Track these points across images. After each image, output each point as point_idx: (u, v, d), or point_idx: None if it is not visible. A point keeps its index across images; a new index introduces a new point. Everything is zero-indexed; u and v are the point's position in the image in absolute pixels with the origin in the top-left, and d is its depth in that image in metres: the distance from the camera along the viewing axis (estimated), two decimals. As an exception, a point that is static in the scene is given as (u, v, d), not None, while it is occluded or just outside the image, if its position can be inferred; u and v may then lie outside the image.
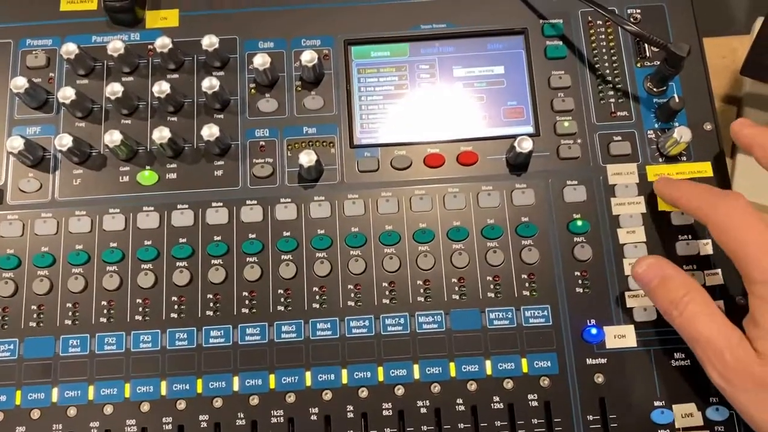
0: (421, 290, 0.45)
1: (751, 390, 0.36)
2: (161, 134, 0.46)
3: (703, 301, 0.39)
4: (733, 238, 0.38)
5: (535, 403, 0.43)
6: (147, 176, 0.47)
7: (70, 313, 0.45)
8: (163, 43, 0.48)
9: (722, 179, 0.47)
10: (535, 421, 0.43)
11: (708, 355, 0.38)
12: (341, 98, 0.49)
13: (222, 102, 0.48)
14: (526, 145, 0.45)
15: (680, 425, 0.43)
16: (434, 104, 0.49)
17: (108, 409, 0.43)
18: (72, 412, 0.43)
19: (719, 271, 0.45)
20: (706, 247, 0.46)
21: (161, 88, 0.47)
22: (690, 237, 0.46)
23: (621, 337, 0.44)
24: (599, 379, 0.44)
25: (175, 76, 0.50)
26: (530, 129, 0.48)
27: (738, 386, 0.36)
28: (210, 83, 0.47)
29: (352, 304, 0.45)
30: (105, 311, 0.45)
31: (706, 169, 0.47)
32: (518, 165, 0.47)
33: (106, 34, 0.50)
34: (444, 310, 0.45)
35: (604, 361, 0.44)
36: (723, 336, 0.37)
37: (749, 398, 0.36)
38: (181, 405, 0.43)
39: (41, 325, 0.45)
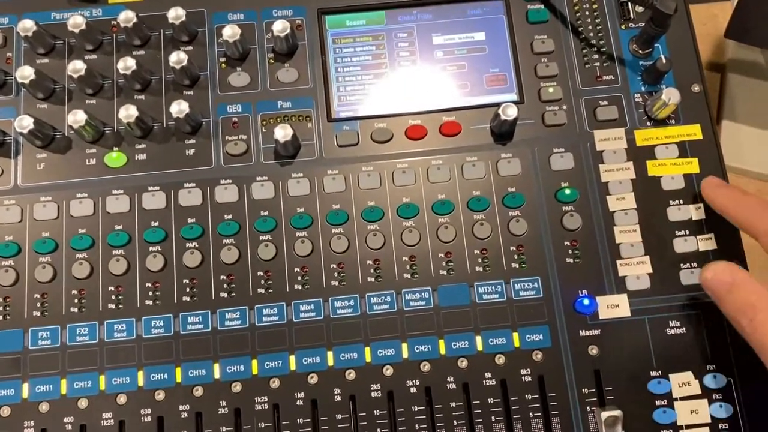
0: (407, 267, 0.44)
1: None
2: (128, 113, 0.43)
3: None
4: None
5: (528, 378, 0.42)
6: (115, 158, 0.45)
7: (38, 305, 0.43)
8: (126, 18, 0.45)
9: (712, 142, 0.46)
10: (528, 396, 0.42)
11: None
12: (317, 70, 0.47)
13: (191, 77, 0.46)
14: (510, 112, 0.44)
15: (678, 394, 0.42)
16: (414, 74, 0.47)
17: (82, 403, 0.41)
18: (44, 407, 0.41)
19: (712, 235, 0.44)
20: (699, 212, 0.44)
21: (126, 64, 0.44)
22: (681, 202, 0.45)
23: (614, 306, 0.43)
24: (593, 350, 0.42)
25: (141, 52, 0.47)
26: (514, 96, 0.47)
27: None
28: (178, 58, 0.44)
29: (336, 283, 0.43)
30: (76, 301, 0.43)
31: (695, 131, 0.46)
32: (503, 134, 0.46)
33: (66, 10, 0.48)
34: (431, 286, 0.43)
35: (597, 332, 0.43)
36: None
37: None
38: (160, 395, 0.41)
39: (8, 318, 0.42)
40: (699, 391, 0.42)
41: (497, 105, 0.44)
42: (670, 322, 0.43)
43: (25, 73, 0.44)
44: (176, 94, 0.46)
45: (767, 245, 0.39)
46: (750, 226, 0.41)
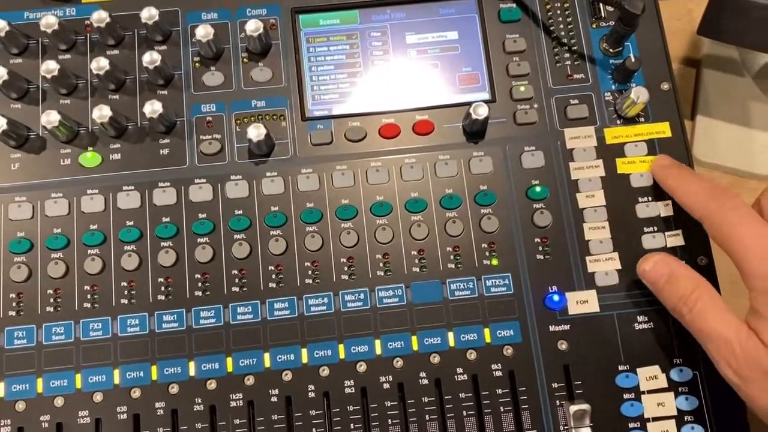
0: (381, 264, 0.44)
1: (762, 381, 0.36)
2: (102, 113, 0.43)
3: (711, 296, 0.39)
4: (729, 236, 0.38)
5: (499, 373, 0.43)
6: (89, 158, 0.45)
7: (14, 304, 0.43)
8: (99, 18, 0.45)
9: (680, 139, 0.47)
10: (499, 391, 0.42)
11: (720, 350, 0.37)
12: (290, 69, 0.47)
13: (165, 77, 0.46)
14: (481, 112, 0.44)
15: (645, 388, 0.43)
16: (387, 73, 0.48)
17: (59, 402, 0.42)
18: (21, 406, 0.41)
19: (680, 232, 0.45)
20: (667, 208, 0.45)
21: (100, 64, 0.44)
22: (650, 199, 0.45)
23: (583, 302, 0.44)
24: (563, 345, 0.43)
25: (115, 52, 0.47)
26: (486, 95, 0.47)
27: (749, 378, 0.36)
28: (151, 58, 0.44)
29: (310, 281, 0.44)
30: (51, 300, 0.43)
31: (664, 129, 0.47)
32: (475, 132, 0.46)
33: (39, 9, 0.48)
34: (405, 283, 0.44)
35: (567, 327, 0.43)
36: (733, 330, 0.37)
37: (760, 390, 0.36)
38: (136, 393, 0.42)
39: (-16, 317, 0.43)
40: (666, 385, 0.43)
41: (469, 104, 0.45)
42: (638, 317, 0.44)
43: (-2, 74, 0.44)
44: (150, 93, 0.46)
45: (710, 230, 0.40)
46: (694, 209, 0.41)
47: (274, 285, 0.44)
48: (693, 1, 0.69)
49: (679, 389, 0.43)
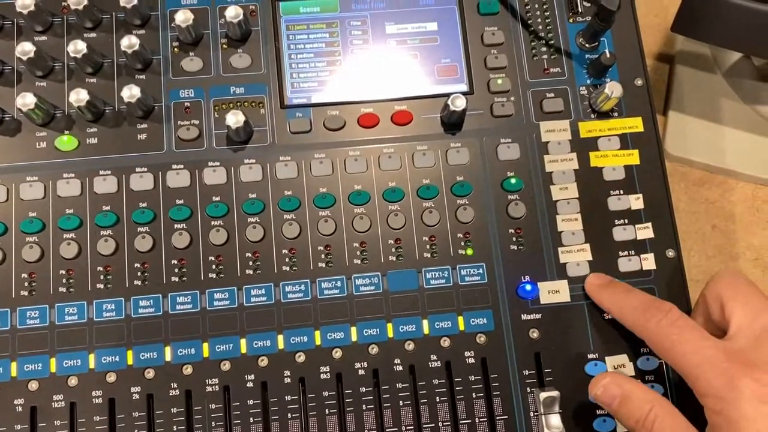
0: (358, 252, 0.45)
1: None
2: (79, 97, 0.43)
3: (668, 415, 0.37)
4: (672, 355, 0.38)
5: (471, 360, 0.44)
6: (66, 141, 0.45)
7: (-12, 287, 0.43)
8: (78, 0, 0.45)
9: (653, 134, 0.48)
10: (472, 377, 0.43)
11: None
12: (270, 56, 0.47)
13: (143, 61, 0.46)
14: (459, 104, 0.45)
15: (612, 376, 0.44)
16: (367, 62, 0.48)
17: (33, 385, 0.42)
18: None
19: (650, 224, 0.46)
20: (638, 202, 0.46)
21: (77, 47, 0.44)
22: (621, 192, 0.46)
23: (555, 292, 0.45)
24: (534, 334, 0.44)
25: (93, 35, 0.47)
26: (464, 87, 0.48)
27: None
28: (129, 42, 0.44)
29: (287, 268, 0.44)
30: (26, 284, 0.43)
31: (637, 124, 0.48)
32: (452, 124, 0.47)
33: (14, -10, 0.47)
34: (381, 271, 0.45)
35: (538, 316, 0.44)
36: None
37: None
38: (111, 377, 0.42)
39: (-44, 300, 0.42)
40: (633, 373, 0.44)
41: (448, 95, 0.45)
42: (607, 307, 0.45)
43: (-28, 55, 0.43)
44: (128, 78, 0.46)
45: (653, 347, 0.40)
46: (633, 328, 0.41)
47: (251, 272, 0.44)
48: (668, -2, 0.70)
49: (646, 377, 0.44)
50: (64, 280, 0.43)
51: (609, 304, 0.43)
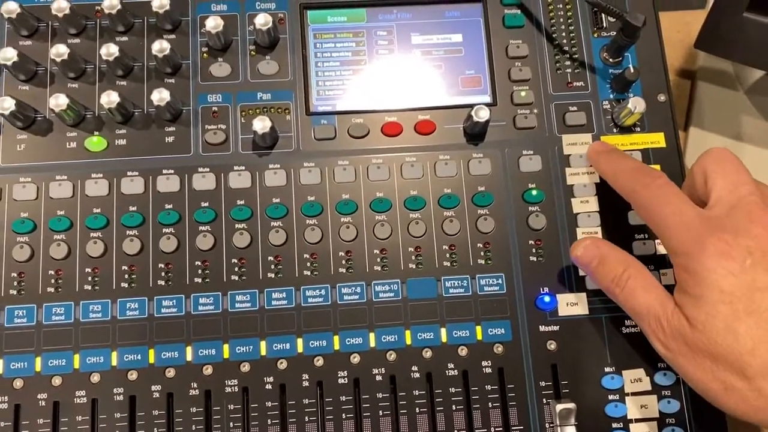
0: (378, 259, 0.45)
1: (687, 353, 0.38)
2: (110, 98, 0.44)
3: (641, 274, 0.40)
4: (653, 213, 0.40)
5: (488, 370, 0.44)
6: (95, 142, 0.46)
7: (15, 283, 0.44)
8: (111, 4, 0.46)
9: (675, 150, 0.48)
10: (488, 387, 0.44)
11: (650, 325, 0.39)
12: (297, 64, 0.48)
13: (173, 66, 0.47)
14: (483, 115, 0.45)
15: (629, 390, 0.44)
16: (392, 72, 0.49)
17: (56, 381, 0.42)
18: (18, 383, 0.42)
19: (669, 240, 0.46)
20: (657, 217, 0.46)
21: (109, 50, 0.45)
22: (642, 207, 0.47)
23: (573, 304, 0.45)
24: (552, 345, 0.44)
25: (124, 38, 0.48)
26: (488, 98, 0.48)
27: (676, 351, 0.38)
28: (161, 46, 0.45)
29: (308, 273, 0.45)
30: (53, 281, 0.44)
31: (659, 139, 0.48)
32: (475, 134, 0.47)
33: (50, -7, 0.48)
34: (401, 278, 0.45)
35: (556, 328, 0.45)
36: (660, 306, 0.39)
37: (687, 361, 0.38)
38: (133, 375, 0.43)
39: (-14, 295, 0.43)
40: (649, 387, 0.44)
41: (471, 106, 0.46)
42: (625, 321, 0.45)
43: (7, 55, 0.44)
44: (158, 81, 0.47)
45: (636, 208, 0.42)
46: (622, 188, 0.43)
47: (272, 275, 0.45)
48: (691, 14, 0.70)
49: (662, 392, 0.44)
50: (89, 278, 0.44)
51: (605, 167, 0.45)
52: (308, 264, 0.45)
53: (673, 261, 0.39)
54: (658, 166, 0.47)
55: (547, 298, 0.45)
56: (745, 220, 0.37)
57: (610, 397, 0.44)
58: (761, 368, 0.35)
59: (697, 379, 0.38)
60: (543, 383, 0.44)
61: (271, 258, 0.45)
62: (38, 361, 0.42)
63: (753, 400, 0.36)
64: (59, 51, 0.45)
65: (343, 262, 0.45)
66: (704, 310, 0.36)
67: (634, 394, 0.44)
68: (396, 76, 0.49)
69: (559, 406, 0.43)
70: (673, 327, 0.38)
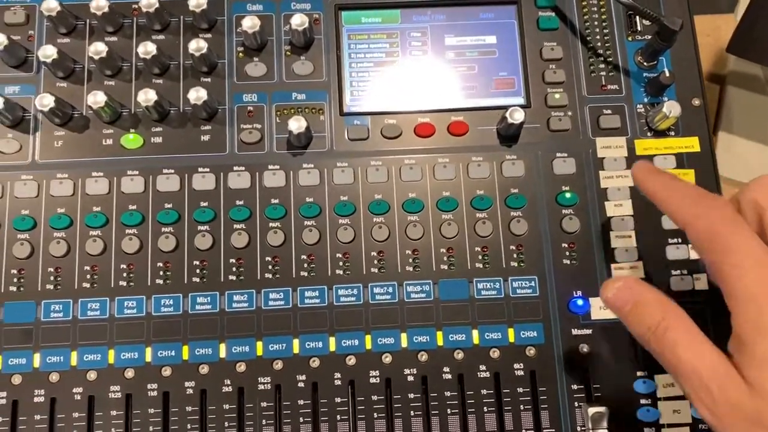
0: (410, 260, 0.45)
1: (743, 428, 0.32)
2: (147, 96, 0.44)
3: (682, 325, 0.34)
4: (714, 247, 0.34)
5: (520, 372, 0.44)
6: (132, 139, 0.46)
7: (51, 278, 0.44)
8: (149, 3, 0.46)
9: (708, 155, 0.48)
10: (520, 389, 0.44)
11: (694, 388, 0.33)
12: (331, 64, 0.48)
13: (209, 65, 0.47)
14: (517, 116, 0.45)
15: (662, 394, 0.44)
16: (425, 73, 0.49)
17: (91, 375, 0.43)
18: (54, 377, 0.43)
19: (703, 245, 0.46)
20: (691, 221, 0.46)
21: (147, 49, 0.45)
22: (676, 211, 0.46)
23: (606, 308, 0.45)
24: (584, 349, 0.44)
25: (161, 37, 0.48)
26: (521, 100, 0.48)
27: (728, 423, 0.32)
28: (198, 45, 0.45)
29: (341, 272, 0.45)
30: (88, 276, 0.44)
31: (693, 144, 0.48)
32: (509, 136, 0.47)
33: (88, -9, 0.48)
34: (432, 279, 0.45)
35: (589, 331, 0.45)
36: (708, 366, 0.33)
37: None
38: (167, 371, 0.43)
39: (22, 289, 0.44)
40: (682, 392, 0.44)
41: (504, 108, 0.46)
42: (658, 325, 0.45)
43: (47, 53, 0.45)
44: (194, 80, 0.47)
45: (692, 236, 0.36)
46: (676, 213, 0.37)
47: (305, 273, 0.45)
48: (721, 18, 0.70)
49: (695, 398, 0.44)
50: (124, 274, 0.44)
51: (656, 185, 0.38)
52: (341, 263, 0.45)
53: (732, 307, 0.33)
54: (692, 171, 0.47)
55: (580, 302, 0.45)
56: None
57: (642, 401, 0.44)
58: None
59: None
60: (575, 386, 0.44)
61: (304, 257, 0.45)
62: (74, 355, 0.43)
63: None
64: (98, 49, 0.45)
65: (375, 262, 0.45)
66: None
67: (666, 399, 0.44)
68: (429, 77, 0.49)
69: (591, 410, 0.43)
70: (726, 394, 0.32)
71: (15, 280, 0.44)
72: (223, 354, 0.43)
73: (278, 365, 0.43)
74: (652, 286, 0.36)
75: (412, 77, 0.49)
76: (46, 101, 0.44)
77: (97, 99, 0.44)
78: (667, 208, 0.38)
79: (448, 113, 0.48)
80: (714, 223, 0.34)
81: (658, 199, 0.38)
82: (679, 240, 0.46)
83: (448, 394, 0.43)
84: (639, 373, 0.44)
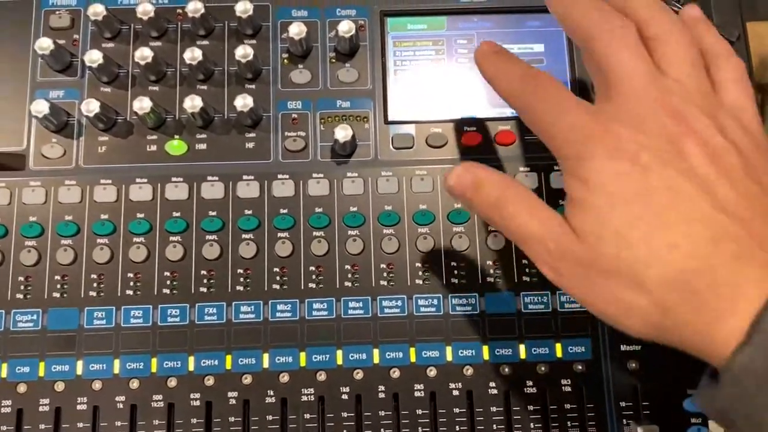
0: (455, 272, 0.45)
1: (580, 273, 0.32)
2: (193, 103, 0.44)
3: (519, 196, 0.34)
4: (537, 119, 0.35)
5: (568, 389, 0.43)
6: (176, 146, 0.46)
7: (94, 285, 0.44)
8: (195, 8, 0.46)
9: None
10: (567, 406, 0.43)
11: (535, 251, 0.34)
12: (376, 72, 0.48)
13: (254, 72, 0.47)
14: (567, 127, 0.44)
15: (713, 414, 0.43)
16: (472, 81, 0.48)
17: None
18: (97, 385, 0.42)
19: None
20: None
21: (194, 54, 0.45)
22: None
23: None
24: (633, 365, 0.43)
25: (205, 42, 0.48)
26: (569, 110, 0.47)
27: (565, 273, 0.33)
28: (244, 52, 0.45)
29: (384, 283, 0.44)
30: (131, 284, 0.44)
31: (746, 157, 0.47)
32: (557, 147, 0.46)
33: (133, -5, 0.48)
34: (478, 292, 0.44)
35: (638, 347, 0.44)
36: (544, 226, 0.33)
37: (579, 282, 0.32)
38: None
39: (65, 296, 0.44)
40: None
41: (553, 118, 0.45)
42: (709, 343, 0.44)
43: (93, 57, 0.45)
44: (238, 87, 0.47)
45: (519, 110, 0.37)
46: (503, 92, 0.38)
47: (349, 284, 0.44)
48: (762, 26, 0.69)
49: (747, 418, 0.43)
50: (167, 282, 0.44)
51: (489, 70, 0.38)
52: (384, 274, 0.45)
53: (562, 168, 0.34)
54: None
55: (629, 317, 0.44)
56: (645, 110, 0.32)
57: (693, 420, 0.43)
58: (660, 279, 0.30)
59: (592, 303, 0.32)
60: (623, 404, 0.43)
61: (347, 267, 0.45)
62: (116, 363, 0.43)
63: (656, 317, 0.30)
64: (143, 54, 0.45)
65: (420, 273, 0.45)
66: (591, 219, 0.31)
67: (717, 418, 0.43)
68: (476, 86, 0.48)
69: (641, 429, 0.42)
70: (560, 245, 0.32)
71: (58, 286, 0.44)
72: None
73: (321, 376, 0.43)
74: (489, 167, 0.36)
75: (458, 85, 0.48)
76: (92, 107, 0.44)
77: (142, 105, 0.44)
78: (496, 88, 0.38)
79: (495, 122, 0.47)
80: (535, 96, 0.35)
81: (490, 79, 0.38)
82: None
83: (494, 409, 0.43)
84: (689, 391, 0.43)
